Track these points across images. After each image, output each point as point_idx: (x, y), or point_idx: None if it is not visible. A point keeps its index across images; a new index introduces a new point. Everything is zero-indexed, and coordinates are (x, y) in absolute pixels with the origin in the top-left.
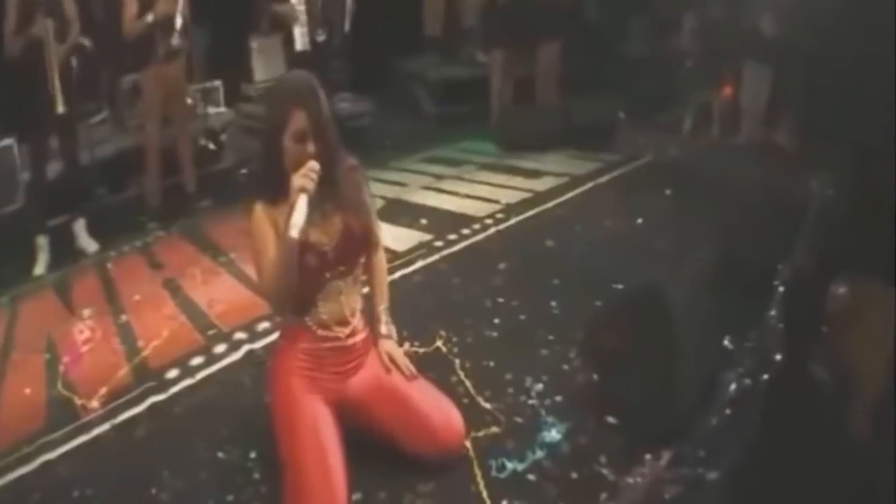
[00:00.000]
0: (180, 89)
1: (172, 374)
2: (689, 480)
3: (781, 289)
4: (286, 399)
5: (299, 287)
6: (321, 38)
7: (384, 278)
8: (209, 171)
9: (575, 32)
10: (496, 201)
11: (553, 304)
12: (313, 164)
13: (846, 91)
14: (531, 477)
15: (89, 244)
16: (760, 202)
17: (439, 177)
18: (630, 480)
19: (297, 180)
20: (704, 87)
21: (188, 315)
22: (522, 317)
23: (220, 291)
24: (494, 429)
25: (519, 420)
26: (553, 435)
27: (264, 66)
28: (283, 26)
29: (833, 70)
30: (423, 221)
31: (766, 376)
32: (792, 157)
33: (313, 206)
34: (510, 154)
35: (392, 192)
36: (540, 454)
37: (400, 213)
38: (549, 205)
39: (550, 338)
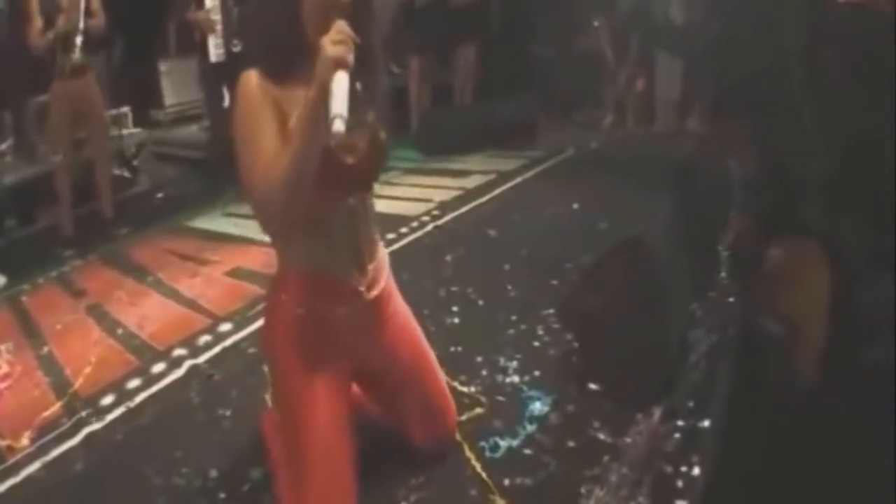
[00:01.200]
0: (93, 107)
1: (108, 400)
2: (684, 431)
3: (726, 253)
4: (291, 381)
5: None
6: (237, 48)
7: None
8: (124, 196)
9: (488, 35)
10: (429, 200)
11: (509, 287)
12: (344, 27)
13: (752, 74)
14: (527, 451)
15: None
16: (688, 179)
17: None
18: (628, 440)
19: (331, 48)
20: (618, 81)
21: (118, 338)
22: (481, 302)
23: (151, 311)
24: (478, 410)
25: (501, 399)
26: (540, 408)
27: (174, 89)
28: (195, 41)
29: (738, 54)
30: None
31: (728, 331)
32: (707, 140)
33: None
34: (434, 158)
35: None
36: (531, 428)
37: None
38: (483, 199)
39: (513, 318)
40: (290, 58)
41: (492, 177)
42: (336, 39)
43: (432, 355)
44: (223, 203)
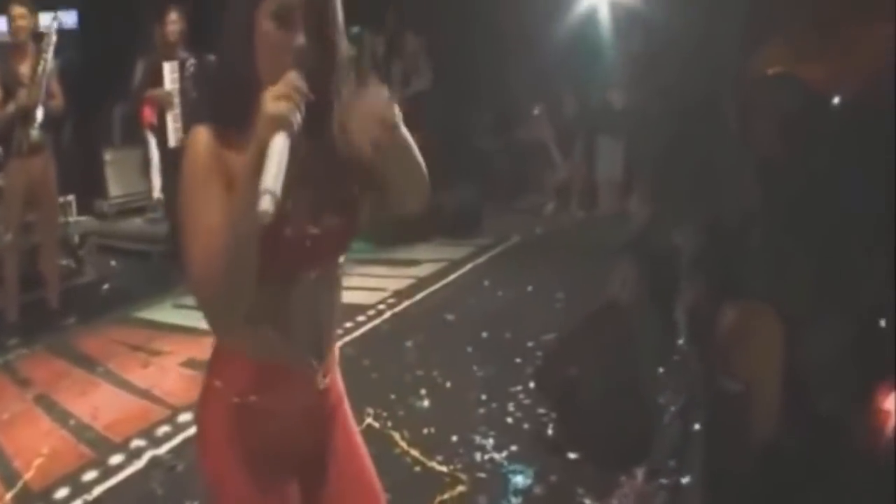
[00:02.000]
0: (47, 188)
1: (62, 493)
2: (668, 489)
3: (683, 319)
4: (236, 488)
5: (258, 287)
6: None
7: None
8: (70, 286)
9: (429, 126)
10: (383, 289)
11: (474, 367)
12: (294, 79)
13: (689, 152)
14: None
15: None
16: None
17: None
18: (615, 502)
19: (271, 104)
20: (558, 167)
21: (70, 429)
22: (448, 384)
23: (104, 401)
24: (461, 488)
25: (482, 475)
26: (523, 481)
27: (118, 180)
28: (141, 133)
29: (676, 134)
30: None
31: (695, 391)
32: (649, 218)
33: (295, 155)
34: (384, 248)
35: None
36: (516, 501)
37: None
38: (436, 286)
39: (483, 397)
40: (241, 112)
41: (443, 265)
42: (280, 93)
43: (366, 452)
44: (173, 296)
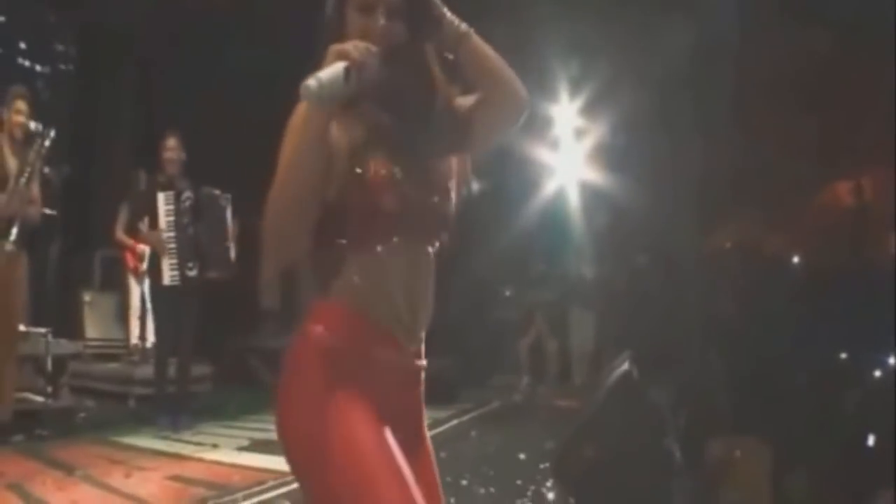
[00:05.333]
0: (13, 292)
1: None
2: None
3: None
4: (327, 411)
5: (361, 249)
6: (192, 272)
7: None
8: (44, 409)
9: None
10: None
11: (482, 490)
12: (366, 45)
13: (658, 319)
14: None
15: None
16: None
17: None
18: None
19: (339, 46)
20: (531, 344)
21: None
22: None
23: (84, 496)
24: None
25: None
26: None
27: (95, 323)
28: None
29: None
30: None
31: None
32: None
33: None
34: None
35: (256, 435)
36: None
37: (267, 445)
38: None
39: None
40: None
41: (427, 421)
42: (350, 44)
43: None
44: (157, 428)
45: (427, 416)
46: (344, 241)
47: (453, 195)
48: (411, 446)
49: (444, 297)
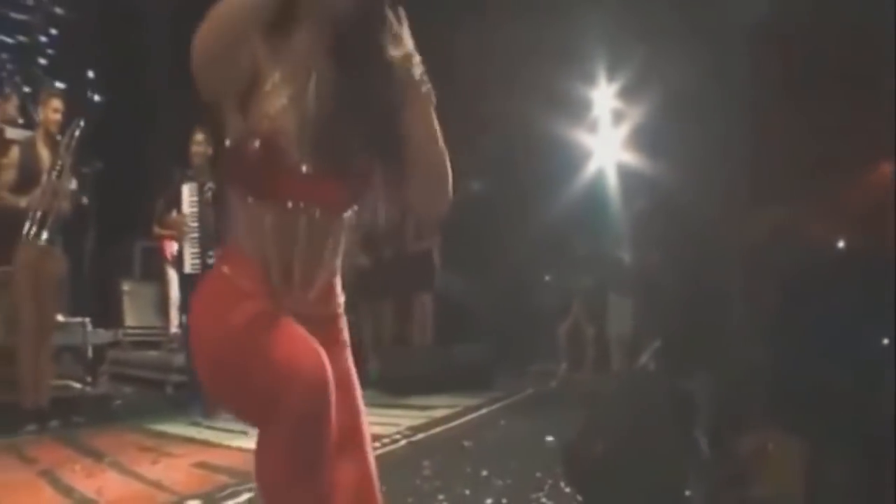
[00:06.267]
0: (51, 285)
1: None
2: None
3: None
4: (240, 319)
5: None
6: (212, 260)
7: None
8: (81, 396)
9: (443, 287)
10: (397, 425)
11: (499, 482)
12: None
13: (695, 305)
14: None
15: None
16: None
17: None
18: None
19: None
20: (571, 330)
21: (73, 501)
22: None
23: (110, 483)
24: None
25: None
26: None
27: (135, 312)
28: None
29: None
30: None
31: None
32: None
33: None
34: (398, 397)
35: None
36: None
37: None
38: (451, 424)
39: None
40: None
41: (457, 409)
42: None
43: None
44: (190, 415)
45: (457, 403)
46: (247, 190)
47: (365, 177)
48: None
49: (481, 281)
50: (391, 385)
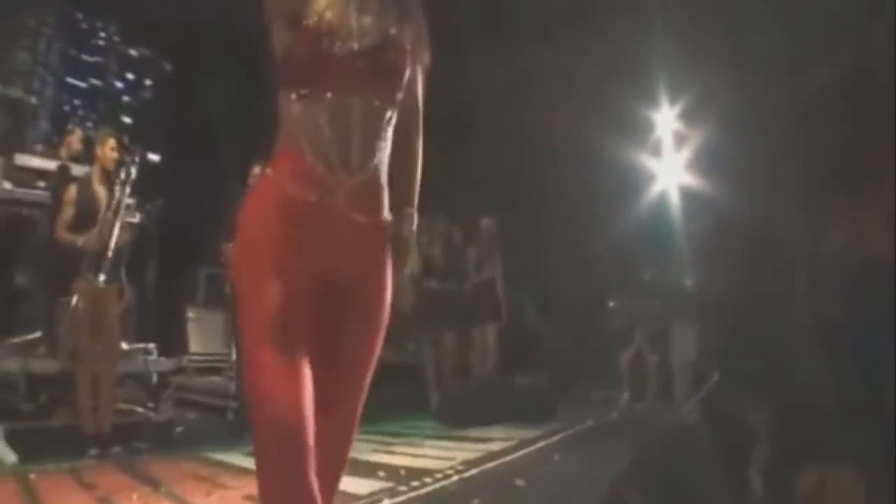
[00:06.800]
0: (109, 317)
1: None
2: None
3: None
4: (253, 260)
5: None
6: None
7: (416, 172)
8: (144, 422)
9: (504, 316)
10: (451, 458)
11: None
12: None
13: (760, 324)
14: None
15: (6, 454)
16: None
17: (388, 444)
18: None
19: None
20: (633, 357)
21: None
22: None
23: None
24: None
25: None
26: None
27: (200, 338)
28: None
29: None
30: (381, 474)
31: None
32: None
33: None
34: (455, 429)
35: None
36: None
37: (353, 467)
38: (506, 459)
39: None
40: None
41: (514, 442)
42: None
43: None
44: (245, 443)
45: (515, 435)
46: (299, 85)
47: (406, 61)
48: (350, 297)
49: (543, 309)
50: (451, 416)
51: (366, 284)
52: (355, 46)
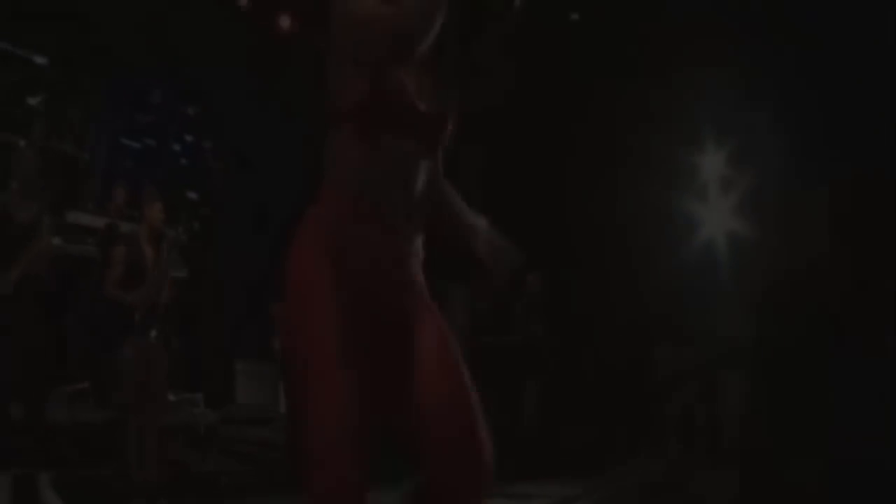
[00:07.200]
0: (157, 373)
1: None
2: None
3: None
4: (305, 304)
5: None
6: None
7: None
8: (190, 473)
9: (549, 372)
10: None
11: None
12: None
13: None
14: None
15: (53, 501)
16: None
17: None
18: None
19: None
20: (684, 407)
21: None
22: None
23: None
24: None
25: None
26: None
27: (247, 390)
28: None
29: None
30: None
31: None
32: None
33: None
34: (501, 482)
35: None
36: None
37: None
38: None
39: None
40: None
41: (554, 499)
42: None
43: (469, 385)
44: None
45: (556, 493)
46: (366, 129)
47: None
48: (421, 345)
49: (588, 361)
50: (495, 471)
51: (418, 318)
52: (417, 106)
